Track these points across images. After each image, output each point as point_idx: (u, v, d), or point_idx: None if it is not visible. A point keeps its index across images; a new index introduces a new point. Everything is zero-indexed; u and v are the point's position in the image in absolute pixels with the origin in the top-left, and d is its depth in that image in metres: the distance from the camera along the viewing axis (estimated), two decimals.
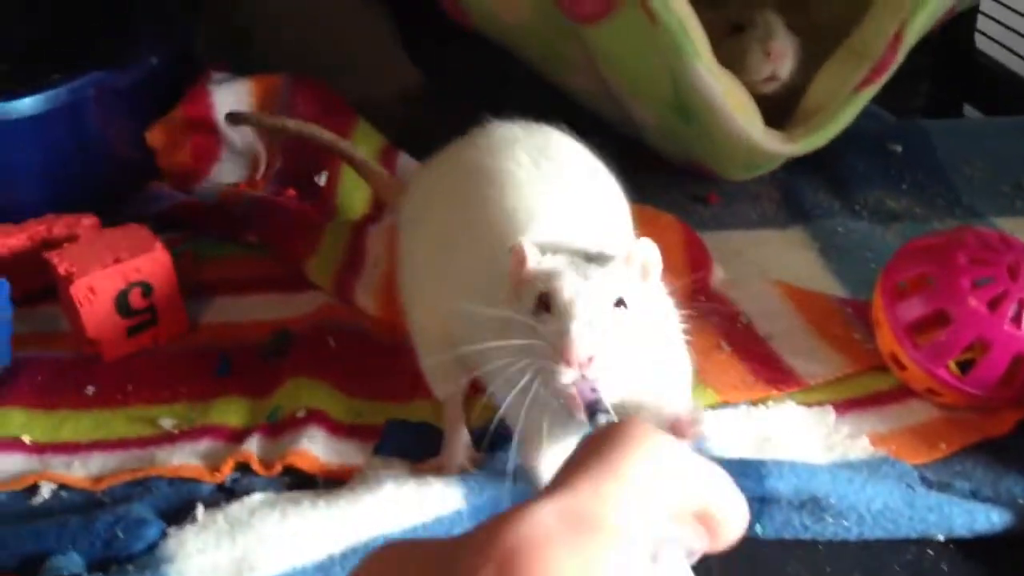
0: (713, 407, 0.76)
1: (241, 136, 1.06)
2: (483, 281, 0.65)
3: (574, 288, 0.58)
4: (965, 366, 0.72)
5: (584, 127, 0.79)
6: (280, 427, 0.74)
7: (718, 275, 0.91)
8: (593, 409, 0.58)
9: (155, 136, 1.04)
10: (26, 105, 0.92)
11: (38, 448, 0.73)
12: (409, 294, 0.75)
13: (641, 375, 0.60)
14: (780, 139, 0.88)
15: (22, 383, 0.80)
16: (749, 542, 0.65)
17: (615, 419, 0.59)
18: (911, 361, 0.74)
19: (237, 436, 0.74)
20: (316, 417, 0.74)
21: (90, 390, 0.79)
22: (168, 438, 0.74)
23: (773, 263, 0.96)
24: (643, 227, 0.90)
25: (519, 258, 0.62)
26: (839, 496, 0.65)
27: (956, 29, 1.28)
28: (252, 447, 0.72)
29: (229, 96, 1.06)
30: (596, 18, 0.89)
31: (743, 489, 0.62)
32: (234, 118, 1.04)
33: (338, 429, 0.74)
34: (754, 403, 0.76)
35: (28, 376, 0.81)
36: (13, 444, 0.73)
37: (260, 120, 1.03)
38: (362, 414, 0.76)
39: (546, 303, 0.59)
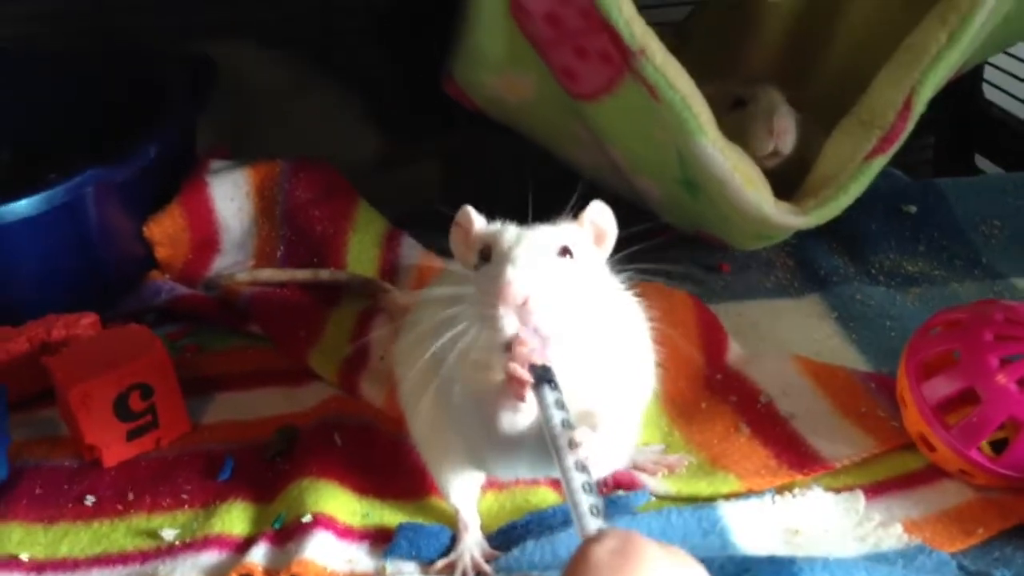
0: (737, 496, 0.73)
1: (240, 225, 1.05)
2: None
3: (515, 235, 0.58)
4: (998, 446, 0.69)
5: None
6: (286, 534, 0.71)
7: (734, 351, 0.89)
8: (539, 377, 0.57)
9: (153, 230, 1.02)
10: (23, 207, 0.90)
11: (37, 566, 0.70)
12: (409, 408, 0.73)
13: (593, 355, 0.60)
14: (791, 211, 0.85)
15: (20, 495, 0.77)
16: None
17: (561, 394, 0.58)
18: (941, 442, 0.71)
19: (241, 546, 0.71)
20: (322, 521, 0.70)
21: (90, 500, 0.76)
22: (170, 551, 0.71)
23: (790, 335, 0.94)
24: (654, 305, 0.88)
25: (464, 225, 0.62)
26: None
27: (962, 80, 1.27)
28: (257, 558, 0.68)
29: (226, 186, 1.05)
30: (598, 95, 0.87)
31: None
32: (211, 285, 1.02)
33: (346, 533, 0.71)
34: (779, 491, 0.73)
35: (27, 487, 0.78)
36: (10, 563, 0.70)
37: (238, 279, 1.01)
38: (371, 515, 0.73)
39: (487, 255, 0.59)
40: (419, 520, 0.72)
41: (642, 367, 0.69)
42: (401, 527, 0.71)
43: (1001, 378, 0.68)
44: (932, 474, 0.74)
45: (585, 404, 0.60)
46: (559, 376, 0.58)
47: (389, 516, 0.73)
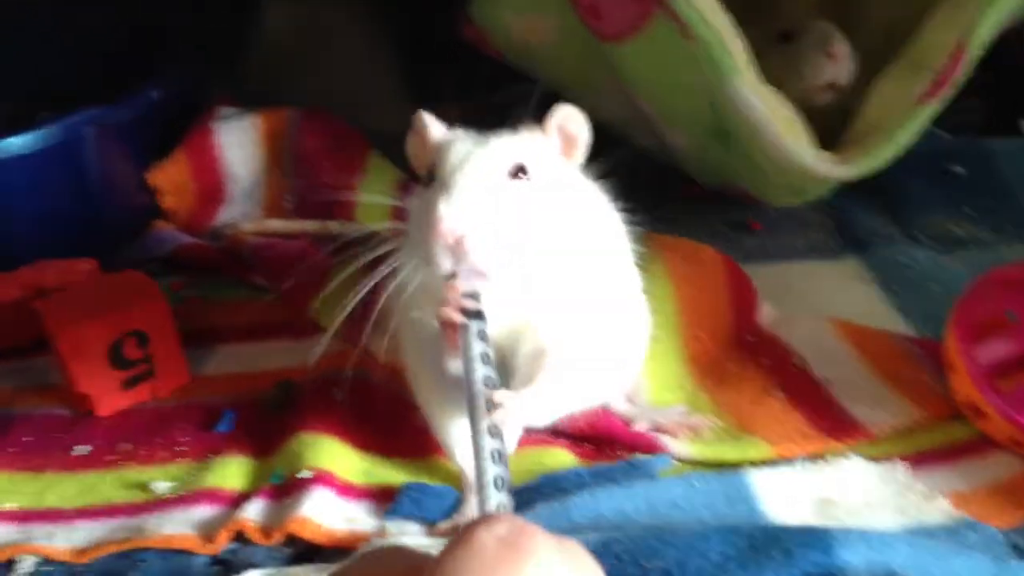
0: (766, 462, 0.67)
1: (248, 175, 1.00)
2: None
3: (462, 153, 0.53)
4: None
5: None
6: (284, 490, 0.66)
7: (766, 312, 0.83)
8: (467, 313, 0.53)
9: (157, 177, 0.98)
10: (16, 144, 0.86)
11: (21, 516, 0.66)
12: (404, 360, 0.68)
13: (549, 286, 0.55)
14: (832, 161, 0.80)
15: (7, 444, 0.73)
16: None
17: (489, 346, 0.54)
18: (993, 409, 0.65)
19: (236, 501, 0.66)
20: (322, 478, 0.66)
21: (80, 450, 0.72)
22: (161, 504, 0.66)
23: (827, 298, 0.88)
24: (681, 262, 0.83)
25: (420, 132, 0.57)
26: (921, 570, 0.56)
27: (1010, 42, 1.20)
28: (251, 513, 0.64)
29: (234, 134, 1.00)
30: (625, 35, 0.82)
31: (808, 562, 0.55)
32: (217, 235, 0.98)
33: (347, 490, 0.66)
34: (812, 458, 0.67)
35: (15, 436, 0.74)
36: None
37: (245, 229, 0.97)
38: (373, 473, 0.68)
39: (434, 174, 0.54)
40: (423, 480, 0.68)
41: (623, 298, 0.64)
42: (405, 487, 0.66)
43: None
44: (980, 445, 0.68)
45: (536, 342, 0.56)
46: (497, 319, 0.54)
47: (392, 475, 0.68)
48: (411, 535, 0.63)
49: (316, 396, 0.75)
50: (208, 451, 0.71)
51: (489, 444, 0.50)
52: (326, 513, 0.64)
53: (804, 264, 0.93)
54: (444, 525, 0.64)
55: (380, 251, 0.59)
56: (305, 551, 0.62)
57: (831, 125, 0.85)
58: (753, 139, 0.80)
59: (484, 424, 0.51)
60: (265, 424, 0.74)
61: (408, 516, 0.64)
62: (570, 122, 0.56)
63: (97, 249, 0.91)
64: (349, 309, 0.66)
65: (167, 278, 0.93)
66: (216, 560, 0.62)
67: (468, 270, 0.52)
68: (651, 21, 0.80)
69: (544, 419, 0.61)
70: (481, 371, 0.52)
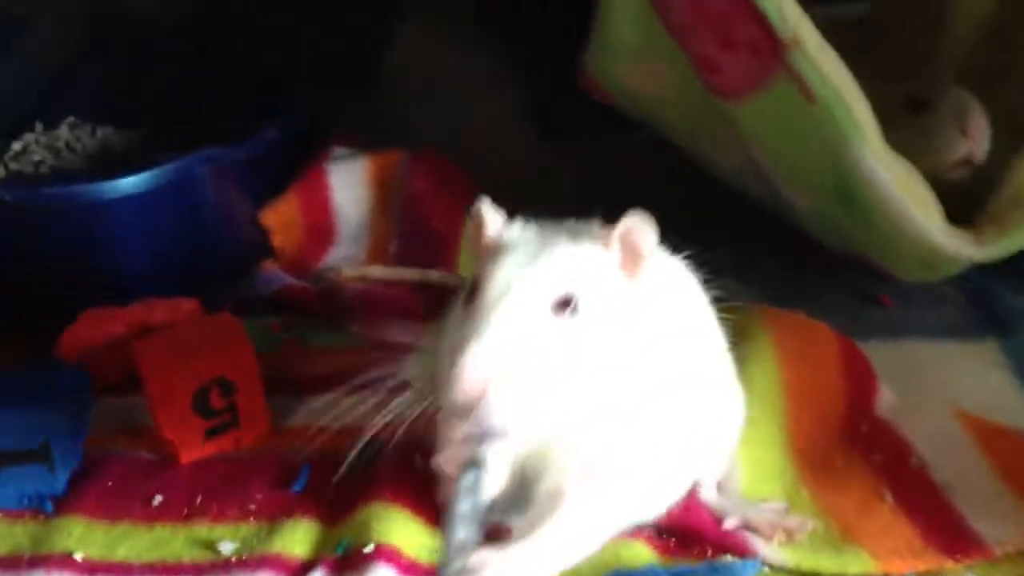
0: None
1: (357, 216, 0.99)
2: None
3: (505, 280, 0.48)
4: None
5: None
6: (347, 563, 0.64)
7: (886, 399, 0.76)
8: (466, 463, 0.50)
9: (269, 217, 0.98)
10: (130, 184, 0.87)
11: (89, 567, 0.66)
12: None
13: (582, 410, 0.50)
14: (967, 239, 0.72)
15: (90, 487, 0.73)
16: None
17: (479, 504, 0.50)
18: None
19: (299, 570, 0.64)
20: (386, 553, 0.63)
21: (157, 499, 0.72)
22: (225, 566, 0.65)
23: (955, 383, 0.80)
24: (790, 338, 0.77)
25: (476, 224, 0.53)
26: None
27: None
28: None
29: (345, 174, 1.00)
30: (743, 93, 0.76)
31: None
32: (319, 278, 0.96)
33: (410, 569, 0.63)
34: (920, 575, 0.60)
35: (99, 479, 0.74)
36: (64, 562, 0.66)
37: (346, 274, 0.95)
38: (439, 551, 0.65)
39: (473, 292, 0.50)
40: None
41: (697, 413, 0.58)
42: None
43: None
44: None
45: (556, 478, 0.51)
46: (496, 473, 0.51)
47: None
48: None
49: (394, 461, 0.73)
50: (280, 511, 0.70)
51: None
52: None
53: (934, 344, 0.85)
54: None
55: None
56: None
57: (963, 202, 0.78)
58: (880, 211, 0.73)
59: None
60: (341, 486, 0.72)
61: None
62: (636, 234, 0.50)
63: (205, 287, 0.91)
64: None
65: (268, 319, 0.93)
66: None
67: (478, 426, 0.48)
68: (773, 79, 0.74)
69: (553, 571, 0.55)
70: (461, 532, 0.49)
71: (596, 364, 0.49)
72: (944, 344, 0.85)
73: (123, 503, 0.72)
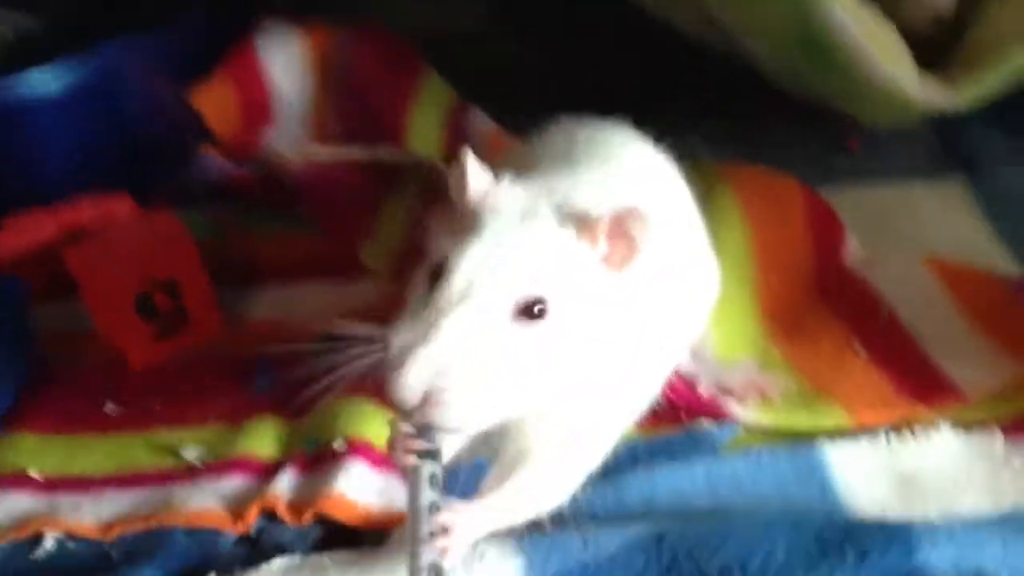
0: (843, 433, 0.60)
1: (295, 95, 0.94)
2: None
3: (468, 274, 0.44)
4: None
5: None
6: (316, 460, 0.62)
7: (854, 251, 0.74)
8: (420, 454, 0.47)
9: (200, 98, 0.92)
10: (51, 77, 0.81)
11: (47, 485, 0.64)
12: None
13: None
14: (938, 88, 0.69)
15: (39, 401, 0.70)
16: None
17: (440, 469, 0.48)
18: None
19: (268, 471, 0.62)
20: (358, 448, 0.61)
21: (112, 408, 0.69)
22: (190, 473, 0.63)
23: (923, 227, 0.79)
24: (755, 198, 0.75)
25: (458, 180, 0.48)
26: (1015, 572, 0.49)
27: None
28: (282, 487, 0.60)
29: (279, 49, 0.94)
30: None
31: (886, 564, 0.49)
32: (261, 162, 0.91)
33: (383, 461, 0.62)
34: (896, 428, 0.60)
35: (47, 391, 0.71)
36: (19, 480, 0.64)
37: (290, 156, 0.90)
38: None
39: (438, 275, 0.45)
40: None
41: (679, 320, 0.55)
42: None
43: None
44: None
45: (521, 442, 0.49)
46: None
47: None
48: (458, 511, 0.58)
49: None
50: (242, 411, 0.67)
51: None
52: (360, 489, 0.59)
53: (901, 187, 0.84)
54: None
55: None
56: (337, 530, 0.58)
57: (935, 47, 0.74)
58: (847, 60, 0.70)
59: (425, 558, 0.47)
60: (306, 380, 0.69)
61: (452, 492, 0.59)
62: (629, 227, 0.45)
63: (141, 181, 0.87)
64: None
65: (209, 210, 0.89)
66: (244, 539, 0.59)
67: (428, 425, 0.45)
68: None
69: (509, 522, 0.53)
70: (428, 496, 0.47)
71: (565, 363, 0.45)
72: (912, 186, 0.83)
73: (75, 414, 0.69)
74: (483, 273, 0.44)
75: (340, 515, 0.58)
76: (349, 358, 0.46)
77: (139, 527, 0.59)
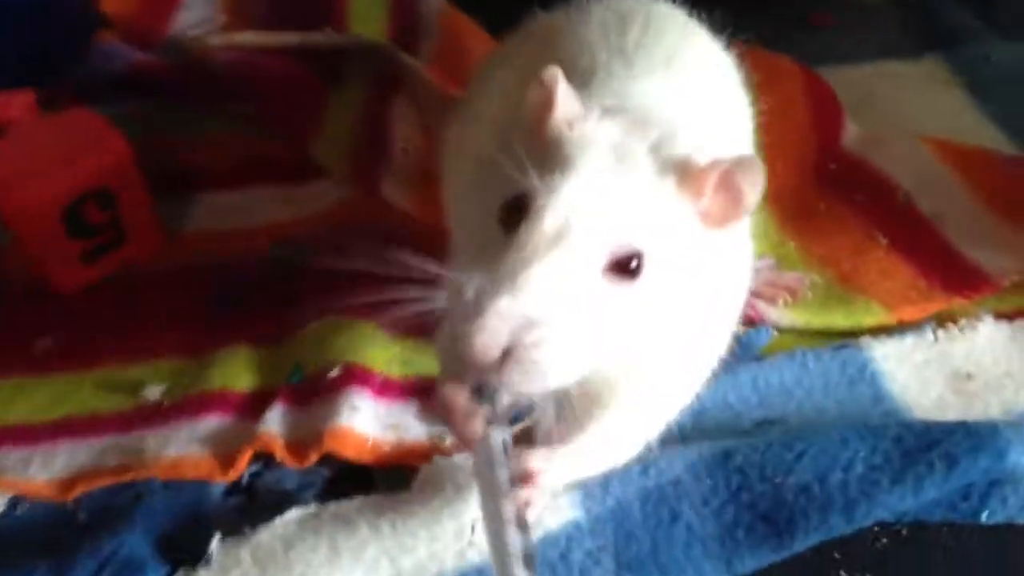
0: (885, 331, 0.56)
1: None
2: None
3: (561, 217, 0.36)
4: None
5: None
6: (308, 391, 0.54)
7: (852, 132, 0.70)
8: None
9: None
10: None
11: None
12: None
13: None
14: None
15: None
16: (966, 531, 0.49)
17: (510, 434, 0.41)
18: None
19: (249, 406, 0.54)
20: (356, 374, 0.54)
21: (45, 344, 0.59)
22: (157, 414, 0.54)
23: (907, 108, 0.75)
24: (754, 74, 0.69)
25: (543, 97, 0.40)
26: None
27: None
28: (274, 425, 0.52)
29: None
30: None
31: (977, 470, 0.45)
32: (173, 48, 0.79)
33: (386, 388, 0.55)
34: (940, 323, 0.56)
35: None
36: None
37: (210, 42, 0.78)
38: (414, 362, 0.56)
39: (518, 212, 0.37)
40: None
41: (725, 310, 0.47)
42: None
43: None
44: None
45: (594, 392, 0.42)
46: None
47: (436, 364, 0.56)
48: None
49: (327, 261, 0.62)
50: (204, 337, 0.58)
51: (515, 540, 0.40)
52: (368, 422, 0.52)
53: (876, 67, 0.80)
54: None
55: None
56: (345, 473, 0.51)
57: None
58: None
59: (509, 510, 0.40)
60: (269, 298, 0.61)
61: None
62: (744, 175, 0.38)
63: (32, 75, 0.73)
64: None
65: (117, 106, 0.76)
66: (236, 487, 0.51)
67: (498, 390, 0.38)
68: None
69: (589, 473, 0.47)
70: (511, 507, 0.40)
71: (653, 323, 0.38)
72: (889, 66, 0.79)
73: (4, 354, 0.59)
74: (579, 217, 0.36)
75: (350, 453, 0.51)
76: (406, 297, 0.37)
77: (106, 482, 0.51)
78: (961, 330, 0.56)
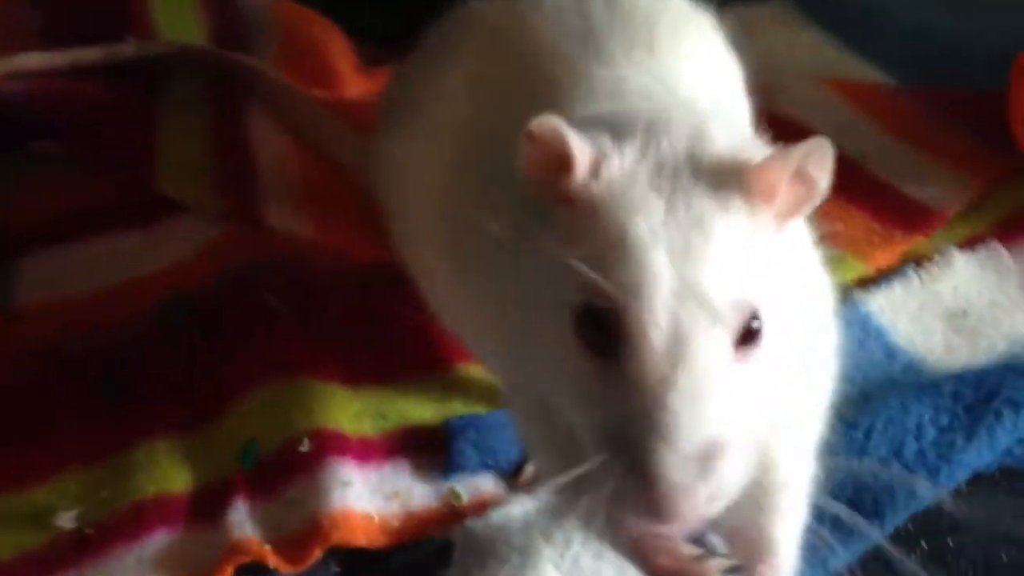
0: (869, 281, 0.54)
1: None
2: None
3: (663, 316, 0.28)
4: None
5: None
6: (273, 475, 0.44)
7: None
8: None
9: None
10: None
11: None
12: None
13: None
14: None
15: None
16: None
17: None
18: None
19: (200, 510, 0.43)
20: (331, 444, 0.44)
21: None
22: (84, 545, 0.42)
23: (773, 52, 0.72)
24: None
25: (550, 156, 0.30)
26: None
27: None
28: (248, 527, 0.42)
29: None
30: None
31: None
32: None
33: (367, 452, 0.45)
34: (918, 263, 0.54)
35: None
36: None
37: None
38: (388, 414, 0.47)
39: (601, 328, 0.29)
40: (457, 407, 0.48)
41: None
42: (453, 427, 0.46)
43: None
44: None
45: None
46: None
47: (414, 409, 0.48)
48: (488, 490, 0.44)
49: (237, 309, 0.51)
50: (105, 438, 0.46)
51: None
52: (364, 496, 0.43)
53: (725, 14, 0.77)
54: (530, 469, 0.45)
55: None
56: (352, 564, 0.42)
57: None
58: None
59: None
60: (167, 372, 0.49)
61: (476, 467, 0.45)
62: (815, 161, 0.31)
63: None
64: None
65: None
66: None
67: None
68: None
69: None
70: None
71: (782, 374, 0.31)
72: (735, 10, 0.76)
73: None
74: (687, 310, 0.28)
75: (360, 539, 0.41)
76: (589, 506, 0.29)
77: None
78: (940, 268, 0.54)
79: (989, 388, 0.44)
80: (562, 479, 0.29)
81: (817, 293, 0.37)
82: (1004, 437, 0.43)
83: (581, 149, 0.30)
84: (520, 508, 0.42)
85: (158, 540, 0.42)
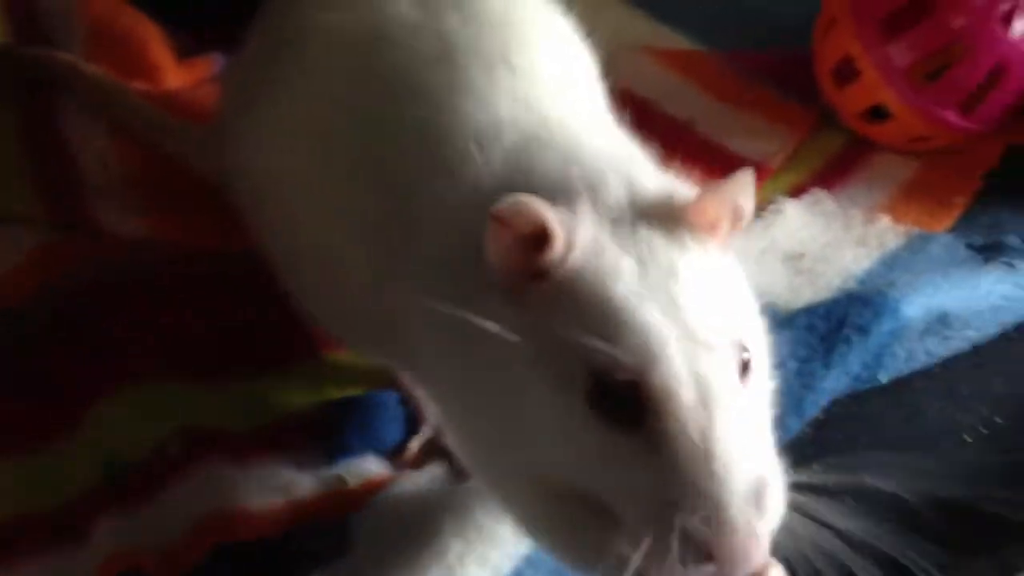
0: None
1: None
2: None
3: (683, 378, 0.29)
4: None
5: None
6: (144, 483, 0.42)
7: None
8: None
9: None
10: None
11: None
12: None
13: None
14: None
15: None
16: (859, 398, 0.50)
17: None
18: (908, 108, 0.59)
19: (62, 533, 0.41)
20: (215, 446, 0.43)
21: None
22: None
23: (591, 26, 0.75)
24: None
25: (521, 227, 0.29)
26: (963, 303, 0.51)
27: None
28: (125, 539, 0.39)
29: None
30: None
31: (883, 332, 0.46)
32: None
33: (244, 448, 0.43)
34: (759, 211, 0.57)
35: None
36: None
37: None
38: (254, 411, 0.45)
39: (619, 401, 0.29)
40: (331, 391, 0.46)
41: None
42: (334, 410, 0.45)
43: (994, 23, 0.57)
44: (865, 152, 0.63)
45: None
46: None
47: (288, 397, 0.46)
48: (374, 472, 0.43)
49: (66, 323, 0.47)
50: None
51: None
52: (250, 493, 0.41)
53: None
54: (414, 445, 0.44)
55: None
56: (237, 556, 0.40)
57: None
58: None
59: None
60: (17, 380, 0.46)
61: (362, 449, 0.44)
62: (740, 192, 0.32)
63: None
64: None
65: None
66: None
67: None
68: None
69: None
70: None
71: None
72: None
73: None
74: (703, 363, 0.29)
75: (246, 534, 0.40)
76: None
77: None
78: (773, 215, 0.57)
79: (838, 317, 0.47)
80: (636, 560, 0.28)
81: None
82: (855, 362, 0.46)
83: (560, 222, 0.29)
84: (411, 483, 0.42)
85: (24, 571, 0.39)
